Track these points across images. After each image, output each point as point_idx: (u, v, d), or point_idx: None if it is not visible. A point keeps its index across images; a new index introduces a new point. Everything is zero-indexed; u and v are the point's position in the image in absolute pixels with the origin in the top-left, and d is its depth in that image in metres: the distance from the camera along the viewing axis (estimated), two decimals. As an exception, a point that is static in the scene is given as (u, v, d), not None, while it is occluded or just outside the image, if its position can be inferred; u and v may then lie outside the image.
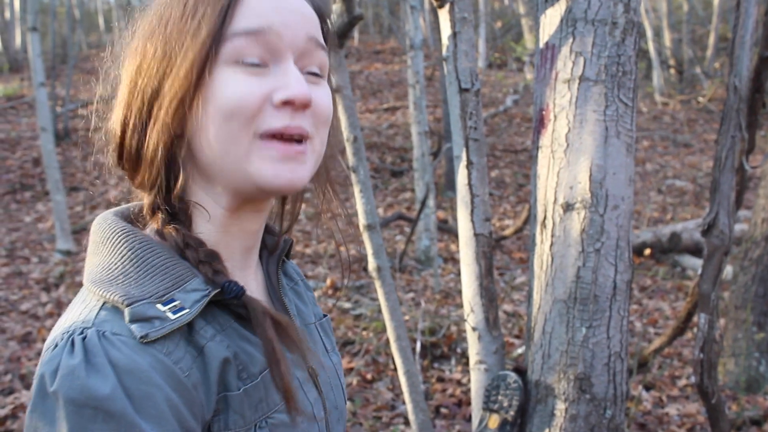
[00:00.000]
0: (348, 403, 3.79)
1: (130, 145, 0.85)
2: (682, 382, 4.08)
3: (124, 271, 0.79)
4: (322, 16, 0.88)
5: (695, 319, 2.70)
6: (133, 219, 0.89)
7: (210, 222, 0.86)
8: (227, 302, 0.82)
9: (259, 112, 0.79)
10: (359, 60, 17.15)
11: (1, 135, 11.14)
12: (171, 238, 0.83)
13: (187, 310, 0.77)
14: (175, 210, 0.85)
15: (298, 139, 0.81)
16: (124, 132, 0.85)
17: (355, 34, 18.75)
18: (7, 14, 18.98)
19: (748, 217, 5.04)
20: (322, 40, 0.85)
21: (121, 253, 0.80)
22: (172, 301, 0.77)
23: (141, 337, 0.73)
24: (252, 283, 0.92)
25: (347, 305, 5.30)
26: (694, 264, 6.20)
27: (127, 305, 0.75)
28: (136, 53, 0.84)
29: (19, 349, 4.58)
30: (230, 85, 0.78)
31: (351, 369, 4.21)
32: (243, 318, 0.83)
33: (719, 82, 13.68)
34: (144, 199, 0.87)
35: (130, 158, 0.86)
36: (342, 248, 1.09)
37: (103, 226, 0.84)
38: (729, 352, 4.04)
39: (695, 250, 6.33)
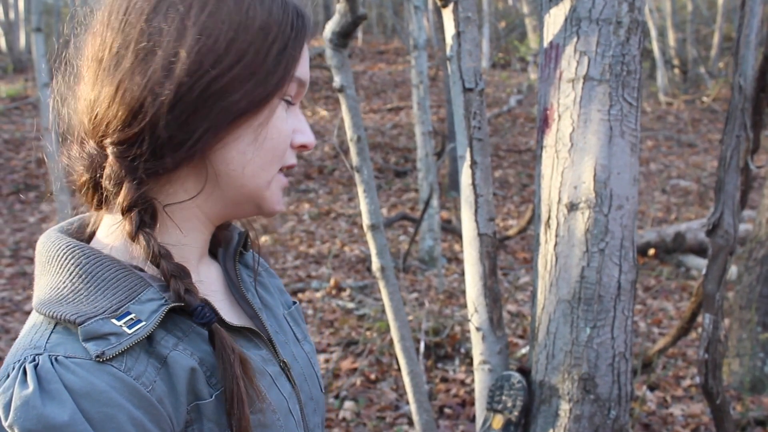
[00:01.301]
0: (352, 403, 3.80)
1: (165, 129, 0.78)
2: (686, 383, 4.07)
3: (73, 289, 0.76)
4: None
5: (699, 319, 2.69)
6: (79, 233, 0.87)
7: (179, 227, 0.84)
8: (186, 308, 0.79)
9: (287, 149, 0.87)
10: (363, 60, 17.15)
11: (5, 135, 11.17)
12: (145, 246, 0.79)
13: (143, 323, 0.74)
14: (149, 210, 0.81)
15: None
16: (167, 111, 0.78)
17: (359, 34, 18.76)
18: (12, 15, 19.02)
19: (753, 217, 5.03)
20: None
21: (68, 270, 0.77)
22: (128, 314, 0.74)
23: (97, 357, 0.70)
24: (211, 281, 0.91)
25: (351, 305, 5.30)
26: (698, 264, 6.18)
27: (80, 324, 0.72)
28: (203, 29, 0.79)
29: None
30: (282, 121, 0.85)
31: (355, 369, 4.21)
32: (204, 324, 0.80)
33: (723, 82, 13.65)
34: (120, 197, 0.80)
35: (152, 140, 0.79)
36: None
37: (47, 245, 0.82)
38: (733, 353, 4.03)
39: (699, 250, 6.32)
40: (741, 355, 3.99)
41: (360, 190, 2.44)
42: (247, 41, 0.80)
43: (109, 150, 0.80)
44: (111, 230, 0.83)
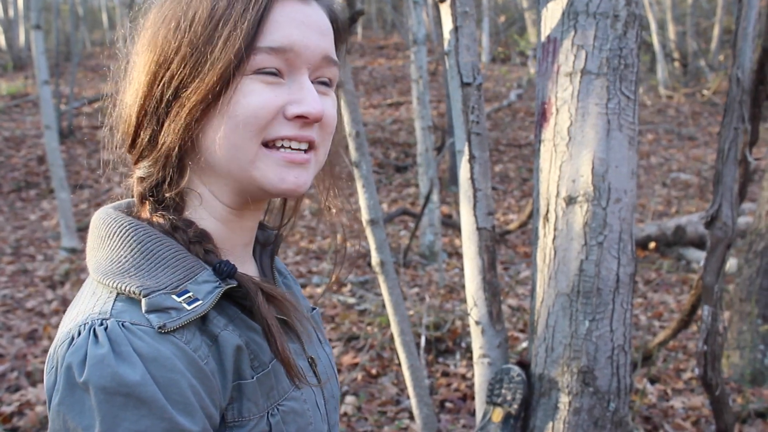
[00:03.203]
0: (353, 398, 3.81)
1: (143, 136, 0.86)
2: (687, 375, 4.08)
3: (135, 264, 0.80)
4: (337, 26, 0.92)
5: (700, 311, 2.70)
6: (132, 213, 0.90)
7: (213, 217, 0.88)
8: (234, 294, 0.83)
9: (271, 122, 0.83)
10: (363, 55, 17.14)
11: (5, 133, 11.17)
12: (158, 225, 0.85)
13: (201, 301, 0.78)
14: (166, 200, 0.87)
15: (305, 148, 0.86)
16: (140, 122, 0.86)
17: (359, 29, 18.74)
18: (11, 12, 19.01)
19: (753, 209, 5.03)
20: (335, 56, 0.89)
21: (130, 246, 0.82)
22: (186, 292, 0.79)
23: (159, 327, 0.75)
24: (248, 273, 0.93)
25: (352, 300, 5.30)
26: (698, 257, 6.18)
27: (144, 296, 0.76)
28: (153, 44, 0.85)
29: (25, 347, 4.60)
30: (248, 96, 0.82)
31: (356, 364, 4.22)
32: (249, 310, 0.85)
33: (724, 75, 13.62)
34: (135, 188, 0.89)
35: (141, 148, 0.87)
36: (346, 243, 1.10)
37: (107, 220, 0.85)
38: (734, 345, 4.03)
39: (700, 243, 6.32)
40: (741, 347, 3.99)
41: (359, 185, 2.44)
42: (189, 38, 0.82)
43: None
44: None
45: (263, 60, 0.82)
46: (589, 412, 1.92)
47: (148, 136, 0.86)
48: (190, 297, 0.78)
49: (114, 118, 0.91)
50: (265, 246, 1.02)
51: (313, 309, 1.09)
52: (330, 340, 4.59)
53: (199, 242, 0.84)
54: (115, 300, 0.78)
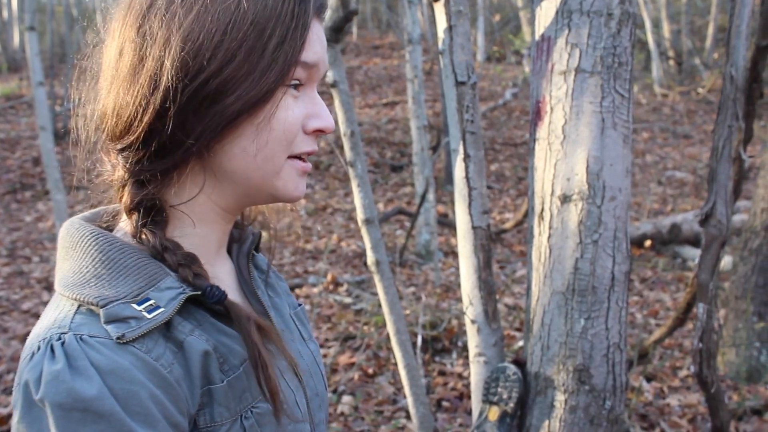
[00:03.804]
0: (349, 397, 3.81)
1: (162, 134, 0.81)
2: (682, 373, 4.08)
3: (96, 274, 0.79)
4: None
5: (695, 309, 2.70)
6: (101, 223, 0.89)
7: (193, 221, 0.87)
8: (201, 299, 0.82)
9: (297, 135, 0.86)
10: (358, 55, 17.14)
11: (0, 135, 11.15)
12: (147, 243, 0.83)
13: (162, 309, 0.77)
14: (155, 208, 0.84)
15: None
16: (159, 118, 0.80)
17: (354, 29, 18.73)
18: (5, 14, 18.96)
19: (748, 207, 5.04)
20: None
21: (91, 255, 0.81)
22: (147, 300, 0.78)
23: (117, 338, 0.74)
24: (225, 277, 0.93)
25: (348, 300, 5.30)
26: (694, 255, 6.19)
27: (102, 306, 0.75)
28: (187, 35, 0.79)
29: (21, 349, 4.59)
30: (285, 111, 0.84)
31: (352, 364, 4.22)
32: (218, 314, 0.84)
33: (718, 73, 13.63)
34: (124, 196, 0.85)
35: (146, 151, 0.82)
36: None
37: (71, 230, 0.85)
38: (730, 343, 4.04)
39: (695, 242, 6.33)
40: (737, 345, 4.00)
41: (354, 184, 2.44)
42: (238, 41, 0.79)
43: (114, 155, 0.86)
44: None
45: (298, 73, 0.84)
46: (585, 410, 1.93)
47: (165, 138, 0.80)
48: (151, 305, 0.77)
49: (101, 110, 0.85)
50: (242, 245, 1.00)
51: (299, 305, 1.08)
52: (326, 339, 4.59)
53: (187, 265, 0.83)
54: (75, 312, 0.77)
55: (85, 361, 0.71)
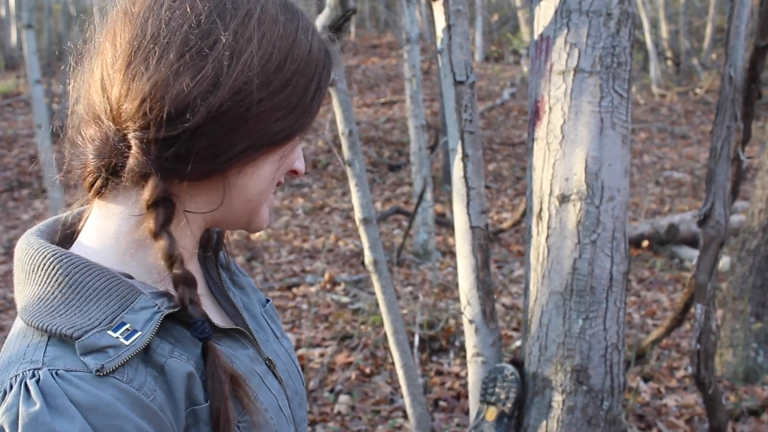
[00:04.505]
0: (347, 397, 3.80)
1: (195, 139, 0.77)
2: (680, 374, 4.08)
3: (64, 300, 0.74)
4: None
5: (693, 310, 2.70)
6: (58, 237, 0.85)
7: (191, 229, 0.84)
8: (177, 314, 0.78)
9: None
10: (356, 54, 17.12)
11: (-3, 133, 11.13)
12: (163, 245, 0.77)
13: (140, 333, 0.73)
14: (168, 211, 0.81)
15: None
16: (213, 119, 0.76)
17: (352, 28, 18.71)
18: (2, 11, 18.92)
19: (746, 208, 5.04)
20: None
21: (57, 280, 0.75)
22: (123, 324, 0.73)
23: (97, 371, 0.69)
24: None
25: (345, 299, 5.30)
26: (691, 255, 6.20)
27: (76, 338, 0.70)
28: (259, 48, 0.78)
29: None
30: (294, 153, 0.87)
31: (349, 363, 4.21)
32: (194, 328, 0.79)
33: (716, 74, 13.64)
34: (145, 191, 0.77)
35: (198, 142, 0.77)
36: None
37: (29, 252, 0.79)
38: (727, 343, 4.04)
39: (693, 242, 6.33)
40: (734, 345, 4.00)
41: (352, 183, 2.44)
42: (292, 71, 0.80)
43: (135, 142, 0.77)
44: (104, 226, 0.81)
45: None
46: (583, 410, 1.92)
47: (207, 141, 0.76)
48: (128, 330, 0.72)
49: (144, 89, 0.76)
50: (208, 247, 0.97)
51: (267, 301, 1.04)
52: (323, 339, 4.58)
53: (188, 286, 0.78)
54: (47, 345, 0.71)
55: (65, 399, 0.67)
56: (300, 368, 1.02)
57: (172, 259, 0.77)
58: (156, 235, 0.77)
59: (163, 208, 0.78)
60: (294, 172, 0.89)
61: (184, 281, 0.78)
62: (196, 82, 0.75)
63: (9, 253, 6.85)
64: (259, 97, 0.77)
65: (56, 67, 14.38)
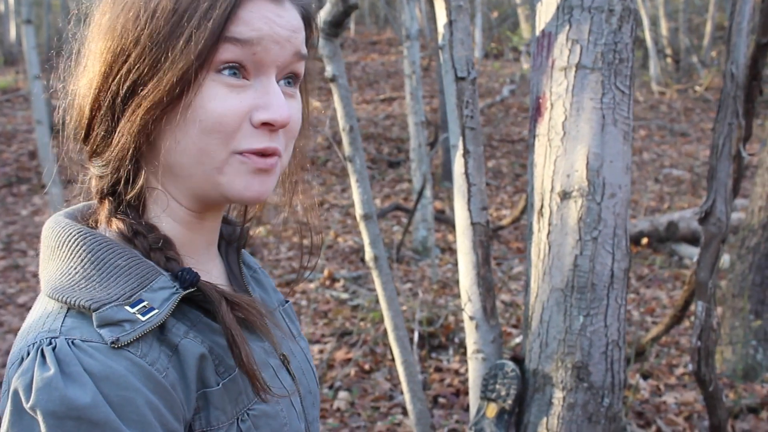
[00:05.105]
0: (346, 393, 3.80)
1: (97, 131, 0.82)
2: (679, 371, 4.09)
3: (86, 275, 0.76)
4: (309, 23, 0.87)
5: (692, 307, 2.70)
6: (86, 219, 0.87)
7: (171, 218, 0.84)
8: (195, 298, 0.79)
9: (238, 129, 0.78)
10: (356, 51, 17.10)
11: (-4, 128, 11.11)
12: (117, 229, 0.81)
13: (156, 311, 0.75)
14: (126, 201, 0.83)
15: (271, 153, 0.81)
16: (93, 116, 0.82)
17: (351, 24, 18.69)
18: (2, 7, 18.89)
19: (746, 205, 5.04)
20: (305, 51, 0.84)
21: (80, 256, 0.77)
22: (140, 301, 0.74)
23: (112, 343, 0.71)
24: (216, 274, 0.91)
25: (345, 296, 5.30)
26: (691, 253, 6.20)
27: (94, 310, 0.72)
28: (111, 32, 0.79)
29: (17, 342, 4.58)
30: (213, 100, 0.77)
31: (349, 360, 4.21)
32: (211, 313, 0.81)
33: (716, 71, 13.66)
34: (94, 185, 0.85)
35: (94, 143, 0.83)
36: (313, 240, 1.06)
37: (56, 229, 0.81)
38: (726, 341, 4.04)
39: (692, 239, 6.33)
40: (734, 343, 4.00)
41: (353, 179, 2.43)
42: (149, 30, 0.76)
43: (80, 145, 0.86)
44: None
45: (227, 52, 0.77)
46: (583, 407, 1.92)
47: (102, 132, 0.81)
48: (145, 307, 0.74)
49: (66, 107, 0.86)
50: (231, 241, 0.98)
51: (286, 302, 1.05)
52: (323, 335, 4.58)
53: (160, 249, 0.80)
54: (65, 316, 0.73)
55: (78, 367, 0.68)
56: (315, 369, 1.02)
57: (127, 238, 0.81)
58: (108, 223, 0.83)
59: (113, 198, 0.83)
60: (265, 125, 0.79)
61: (153, 246, 0.81)
62: (80, 84, 0.84)
63: (8, 249, 6.84)
64: (123, 73, 0.78)
65: (55, 63, 14.35)
